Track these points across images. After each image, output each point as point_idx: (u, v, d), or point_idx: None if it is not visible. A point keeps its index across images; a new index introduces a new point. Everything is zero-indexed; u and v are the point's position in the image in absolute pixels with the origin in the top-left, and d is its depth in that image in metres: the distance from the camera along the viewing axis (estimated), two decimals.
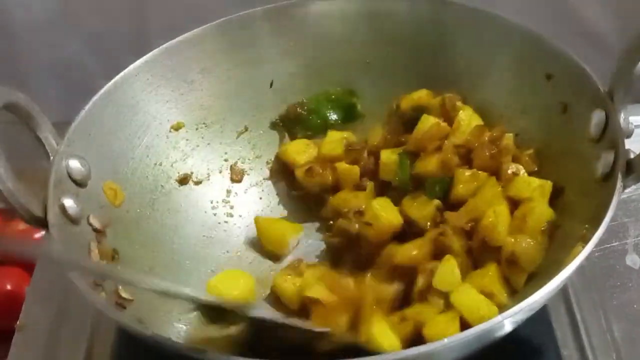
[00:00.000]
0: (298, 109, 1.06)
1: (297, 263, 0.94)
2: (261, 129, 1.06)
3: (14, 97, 0.81)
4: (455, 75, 1.02)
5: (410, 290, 0.85)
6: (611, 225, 0.74)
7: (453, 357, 0.75)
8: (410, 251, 0.86)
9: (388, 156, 0.97)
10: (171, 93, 1.00)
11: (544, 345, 0.86)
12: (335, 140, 1.02)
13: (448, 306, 0.81)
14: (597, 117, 0.84)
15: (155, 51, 0.98)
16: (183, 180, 1.00)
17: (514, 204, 0.87)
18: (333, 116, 1.07)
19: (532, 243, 0.83)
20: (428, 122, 0.95)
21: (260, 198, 1.05)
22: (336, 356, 0.70)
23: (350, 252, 0.94)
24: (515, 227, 0.85)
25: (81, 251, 0.82)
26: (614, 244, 0.95)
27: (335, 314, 0.83)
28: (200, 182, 1.01)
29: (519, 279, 0.83)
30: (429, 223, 0.90)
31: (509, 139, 0.92)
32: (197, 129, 1.02)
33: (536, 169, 0.92)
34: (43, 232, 0.81)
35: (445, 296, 0.82)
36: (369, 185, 0.98)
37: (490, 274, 0.83)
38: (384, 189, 0.98)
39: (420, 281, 0.84)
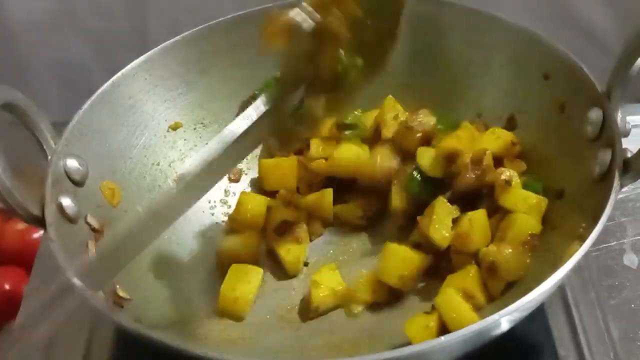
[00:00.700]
0: None
1: None
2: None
3: (12, 96, 0.81)
4: (452, 75, 1.02)
5: None
6: (609, 224, 0.75)
7: (451, 356, 0.75)
8: None
9: None
10: (169, 93, 1.00)
11: (541, 345, 0.86)
12: None
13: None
14: (594, 116, 0.84)
15: (153, 51, 0.99)
16: (180, 180, 1.00)
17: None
18: None
19: (513, 253, 0.84)
20: None
21: None
22: None
23: None
24: (499, 237, 0.87)
25: (79, 250, 0.82)
26: (611, 244, 0.95)
27: None
28: None
29: (496, 287, 0.84)
30: None
31: (489, 156, 0.92)
32: (195, 129, 1.02)
33: (525, 167, 0.93)
34: (41, 232, 0.81)
35: None
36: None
37: (470, 276, 0.85)
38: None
39: None
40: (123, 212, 0.92)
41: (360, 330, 0.88)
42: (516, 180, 0.89)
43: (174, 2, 1.31)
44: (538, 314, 0.86)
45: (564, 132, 0.90)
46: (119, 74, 0.95)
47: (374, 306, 0.90)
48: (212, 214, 1.02)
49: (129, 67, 0.96)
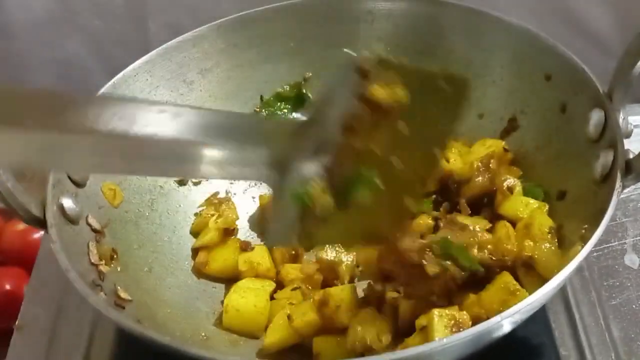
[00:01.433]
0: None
1: None
2: None
3: None
4: None
5: None
6: (610, 225, 0.75)
7: (453, 358, 0.75)
8: None
9: None
10: (170, 93, 1.00)
11: (543, 345, 0.86)
12: None
13: None
14: (596, 117, 0.85)
15: (154, 52, 0.99)
16: (182, 181, 1.00)
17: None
18: (285, 111, 1.05)
19: (550, 247, 0.83)
20: None
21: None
22: None
23: None
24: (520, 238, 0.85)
25: (80, 251, 0.82)
26: (612, 244, 0.95)
27: None
28: (199, 183, 1.02)
29: (533, 286, 0.80)
30: None
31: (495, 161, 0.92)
32: None
33: (520, 173, 0.94)
34: (42, 232, 0.81)
35: None
36: None
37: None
38: None
39: None
40: (124, 213, 0.92)
41: None
42: (518, 188, 0.89)
43: (174, 2, 1.31)
44: (539, 314, 0.86)
45: (565, 133, 0.91)
46: (120, 74, 0.95)
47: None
48: None
49: (130, 68, 0.96)
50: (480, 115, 1.01)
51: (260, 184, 1.03)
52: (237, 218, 0.98)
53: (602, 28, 1.28)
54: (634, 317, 0.88)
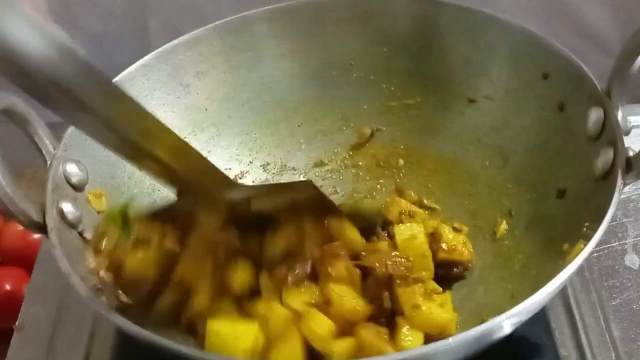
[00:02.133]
0: None
1: None
2: (257, 131, 1.06)
3: (11, 101, 0.81)
4: (452, 75, 1.02)
5: None
6: (610, 225, 0.74)
7: (453, 358, 0.75)
8: None
9: None
10: (167, 97, 1.00)
11: (543, 345, 0.86)
12: None
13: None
14: (594, 115, 0.84)
15: (150, 55, 0.98)
16: None
17: None
18: None
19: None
20: None
21: None
22: None
23: None
24: None
25: (81, 255, 0.82)
26: (613, 244, 0.95)
27: None
28: None
29: None
30: None
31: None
32: (193, 132, 1.02)
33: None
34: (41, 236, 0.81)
35: None
36: None
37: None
38: None
39: None
40: None
41: None
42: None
43: (174, 2, 1.31)
44: (540, 315, 0.86)
45: (564, 131, 0.90)
46: (117, 78, 0.94)
47: None
48: None
49: (126, 71, 0.96)
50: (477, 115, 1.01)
51: None
52: None
53: (600, 27, 1.27)
54: (634, 317, 0.89)
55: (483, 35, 0.98)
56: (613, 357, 0.85)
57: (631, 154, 0.78)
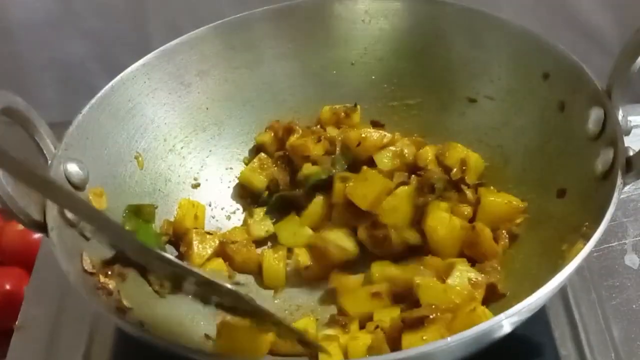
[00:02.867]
0: None
1: None
2: (258, 130, 1.06)
3: (12, 101, 0.81)
4: (453, 75, 1.02)
5: None
6: (610, 225, 0.74)
7: (453, 358, 0.75)
8: None
9: None
10: (168, 96, 1.00)
11: (542, 345, 0.86)
12: None
13: None
14: (595, 114, 0.85)
15: (152, 54, 0.98)
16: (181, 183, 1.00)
17: None
18: None
19: None
20: None
21: None
22: None
23: None
24: None
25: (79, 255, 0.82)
26: (612, 244, 0.95)
27: None
28: (198, 185, 1.01)
29: None
30: None
31: None
32: (194, 131, 1.02)
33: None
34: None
35: None
36: None
37: None
38: None
39: None
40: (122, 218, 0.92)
41: None
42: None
43: (173, 2, 1.31)
44: (539, 314, 0.86)
45: (564, 131, 0.90)
46: (118, 77, 0.95)
47: None
48: (213, 217, 1.01)
49: (127, 70, 0.96)
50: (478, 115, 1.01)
51: None
52: None
53: (601, 27, 1.28)
54: (634, 317, 0.89)
55: (483, 35, 0.98)
56: (613, 357, 0.85)
57: (631, 153, 0.78)
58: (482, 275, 0.85)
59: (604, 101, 0.83)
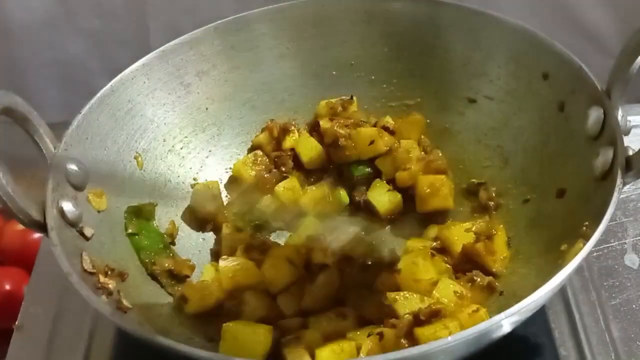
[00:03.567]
0: None
1: None
2: (257, 131, 1.06)
3: (12, 100, 0.81)
4: (452, 75, 1.02)
5: None
6: (610, 225, 0.75)
7: (453, 357, 0.75)
8: None
9: None
10: (168, 96, 1.00)
11: (542, 345, 0.86)
12: None
13: None
14: (594, 114, 0.84)
15: (151, 54, 0.98)
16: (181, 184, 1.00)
17: None
18: None
19: None
20: None
21: None
22: None
23: None
24: None
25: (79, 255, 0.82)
26: (612, 244, 0.95)
27: None
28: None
29: None
30: None
31: None
32: (194, 131, 1.02)
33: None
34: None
35: None
36: None
37: None
38: None
39: None
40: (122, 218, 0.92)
41: None
42: None
43: (173, 2, 1.31)
44: (539, 314, 0.87)
45: (564, 131, 0.90)
46: (118, 78, 0.95)
47: None
48: None
49: (127, 71, 0.96)
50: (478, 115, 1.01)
51: None
52: None
53: (600, 27, 1.28)
54: (634, 317, 0.89)
55: (483, 35, 0.98)
56: (612, 357, 0.85)
57: (631, 153, 0.78)
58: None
59: (603, 101, 0.83)
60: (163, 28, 1.32)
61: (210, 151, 1.03)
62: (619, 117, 0.82)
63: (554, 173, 0.91)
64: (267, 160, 1.03)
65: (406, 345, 0.78)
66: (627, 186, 0.79)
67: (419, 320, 0.79)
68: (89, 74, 1.39)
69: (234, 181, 1.03)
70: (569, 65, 0.89)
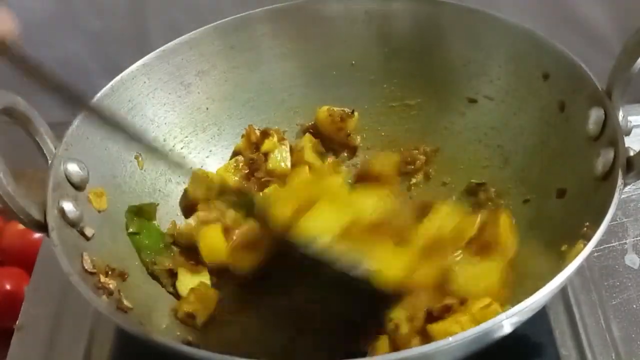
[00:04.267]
0: None
1: None
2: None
3: (12, 101, 0.81)
4: (452, 75, 1.02)
5: None
6: (610, 225, 0.74)
7: (453, 358, 0.75)
8: None
9: None
10: (168, 96, 1.00)
11: (543, 345, 0.86)
12: None
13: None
14: (595, 115, 0.84)
15: (152, 54, 0.98)
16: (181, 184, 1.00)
17: None
18: None
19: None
20: None
21: None
22: None
23: None
24: None
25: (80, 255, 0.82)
26: (613, 244, 0.95)
27: None
28: None
29: None
30: None
31: None
32: (194, 131, 1.02)
33: None
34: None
35: None
36: None
37: None
38: None
39: None
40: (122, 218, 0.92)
41: None
42: None
43: (173, 2, 1.31)
44: (540, 314, 0.86)
45: (564, 131, 0.90)
46: (118, 77, 0.95)
47: None
48: None
49: (127, 70, 0.96)
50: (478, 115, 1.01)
51: None
52: None
53: (601, 27, 1.28)
54: (635, 317, 0.89)
55: (483, 35, 0.98)
56: (613, 357, 0.85)
57: (632, 153, 0.78)
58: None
59: (604, 101, 0.83)
60: (163, 28, 1.32)
61: (210, 151, 1.03)
62: (620, 118, 0.82)
63: (554, 173, 0.91)
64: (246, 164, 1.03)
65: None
66: (628, 186, 0.79)
67: (431, 316, 0.79)
68: (89, 74, 1.39)
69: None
70: (569, 65, 0.89)
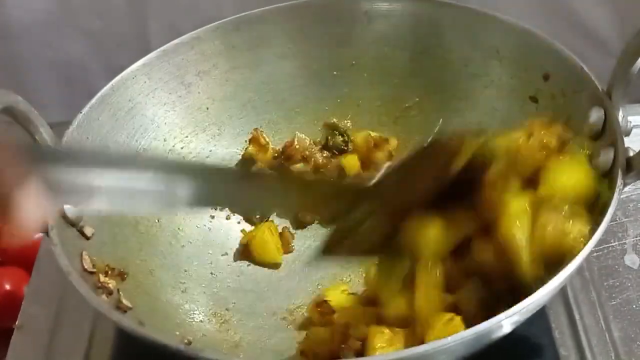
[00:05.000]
0: None
1: None
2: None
3: (12, 100, 0.81)
4: (452, 76, 1.02)
5: None
6: (610, 225, 0.74)
7: (452, 358, 0.75)
8: None
9: None
10: (168, 96, 1.00)
11: (542, 345, 0.86)
12: None
13: None
14: (595, 115, 0.84)
15: (152, 54, 0.98)
16: None
17: None
18: None
19: None
20: None
21: None
22: None
23: None
24: None
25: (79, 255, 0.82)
26: (612, 244, 0.95)
27: None
28: None
29: None
30: None
31: None
32: (194, 131, 1.02)
33: None
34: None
35: None
36: None
37: None
38: None
39: None
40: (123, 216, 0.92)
41: None
42: None
43: (173, 2, 1.31)
44: (539, 315, 0.86)
45: None
46: (118, 77, 0.95)
47: None
48: (213, 217, 1.01)
49: (128, 70, 0.96)
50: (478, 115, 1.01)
51: None
52: None
53: (601, 27, 1.28)
54: (634, 317, 0.89)
55: (483, 35, 0.98)
56: (613, 357, 0.85)
57: (631, 154, 0.78)
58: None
59: (604, 101, 0.83)
60: (163, 28, 1.32)
61: (210, 151, 1.03)
62: (620, 118, 0.82)
63: None
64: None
65: None
66: (628, 186, 0.79)
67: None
68: (89, 74, 1.39)
69: None
70: (569, 65, 0.89)
